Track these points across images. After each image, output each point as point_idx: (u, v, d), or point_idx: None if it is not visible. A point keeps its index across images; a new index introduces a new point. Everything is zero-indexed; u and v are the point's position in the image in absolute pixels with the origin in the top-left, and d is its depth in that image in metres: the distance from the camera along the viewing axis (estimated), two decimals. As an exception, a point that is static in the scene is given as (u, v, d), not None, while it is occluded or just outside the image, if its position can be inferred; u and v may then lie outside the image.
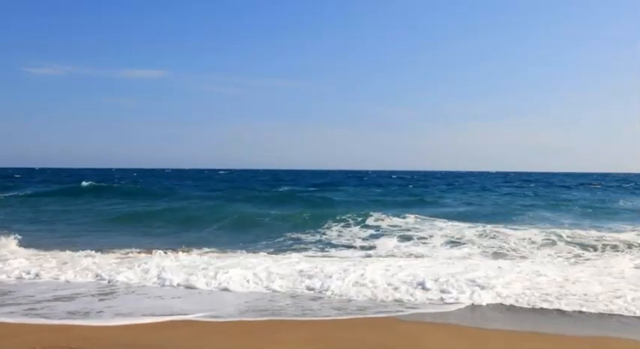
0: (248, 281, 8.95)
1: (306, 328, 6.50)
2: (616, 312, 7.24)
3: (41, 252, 11.93)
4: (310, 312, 7.27)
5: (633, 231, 15.90)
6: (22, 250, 12.28)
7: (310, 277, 9.15)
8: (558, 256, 12.25)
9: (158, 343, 5.79)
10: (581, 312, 7.26)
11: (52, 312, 7.13)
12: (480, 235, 14.69)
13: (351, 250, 13.41)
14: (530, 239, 14.07)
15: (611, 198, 32.50)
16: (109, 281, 9.18)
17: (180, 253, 12.03)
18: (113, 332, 6.24)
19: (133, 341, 5.85)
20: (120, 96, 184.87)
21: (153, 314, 7.04)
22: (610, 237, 14.35)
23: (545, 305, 7.54)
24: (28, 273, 9.64)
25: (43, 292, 8.35)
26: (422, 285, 8.46)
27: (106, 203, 25.86)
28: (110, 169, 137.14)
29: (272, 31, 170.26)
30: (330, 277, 9.03)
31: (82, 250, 12.05)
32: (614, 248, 13.03)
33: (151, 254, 11.87)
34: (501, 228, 15.52)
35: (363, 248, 13.64)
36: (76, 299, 7.98)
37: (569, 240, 13.98)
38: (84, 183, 36.14)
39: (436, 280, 8.73)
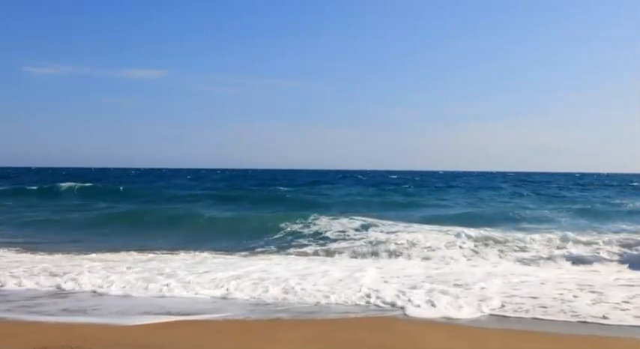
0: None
1: (306, 328, 6.45)
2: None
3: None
4: (311, 312, 7.26)
5: (636, 232, 15.45)
6: None
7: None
8: (542, 258, 11.87)
9: (158, 343, 5.73)
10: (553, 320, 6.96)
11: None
12: (467, 238, 13.83)
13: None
14: (519, 241, 13.47)
15: (611, 198, 32.17)
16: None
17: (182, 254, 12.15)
18: (113, 332, 6.18)
19: (133, 341, 5.79)
20: (120, 96, 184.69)
21: (150, 314, 6.99)
22: (605, 238, 13.87)
23: (522, 315, 7.18)
24: None
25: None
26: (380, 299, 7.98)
27: (85, 204, 25.42)
28: (109, 169, 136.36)
29: (272, 31, 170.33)
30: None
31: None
32: (608, 250, 12.50)
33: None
34: (493, 232, 14.83)
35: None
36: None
37: (559, 241, 13.51)
38: (62, 184, 35.41)
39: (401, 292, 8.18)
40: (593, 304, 7.53)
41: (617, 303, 7.58)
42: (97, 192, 32.67)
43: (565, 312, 7.15)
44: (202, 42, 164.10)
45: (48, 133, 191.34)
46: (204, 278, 9.17)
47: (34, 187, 34.98)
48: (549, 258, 11.84)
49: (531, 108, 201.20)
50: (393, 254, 12.51)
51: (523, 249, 12.82)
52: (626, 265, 11.14)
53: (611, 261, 11.66)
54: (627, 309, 7.28)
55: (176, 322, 6.66)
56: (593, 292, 8.29)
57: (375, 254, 12.58)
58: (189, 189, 40.38)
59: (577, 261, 11.62)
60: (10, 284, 8.77)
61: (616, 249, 12.58)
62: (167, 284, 8.65)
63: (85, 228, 17.48)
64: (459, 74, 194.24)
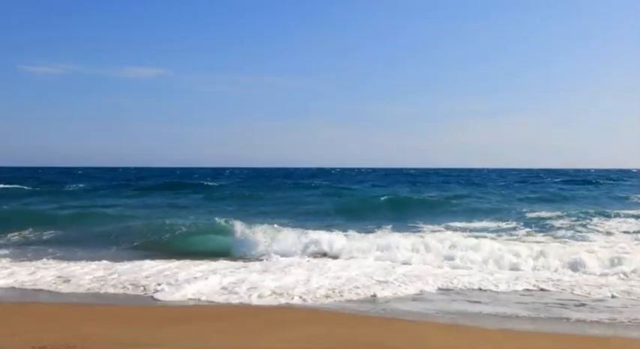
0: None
1: (307, 326, 6.41)
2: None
3: None
4: (311, 310, 7.33)
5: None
6: None
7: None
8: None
9: (158, 342, 5.67)
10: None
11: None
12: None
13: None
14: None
15: (613, 196, 31.24)
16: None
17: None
18: (112, 331, 6.11)
19: (132, 340, 5.72)
20: (120, 95, 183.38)
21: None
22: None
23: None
24: None
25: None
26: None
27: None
28: (103, 168, 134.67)
29: (272, 30, 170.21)
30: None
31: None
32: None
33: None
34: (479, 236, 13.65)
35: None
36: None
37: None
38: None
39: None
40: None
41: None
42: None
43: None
44: (202, 41, 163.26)
45: (48, 133, 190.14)
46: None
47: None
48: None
49: (533, 106, 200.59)
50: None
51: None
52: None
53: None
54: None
55: (176, 322, 6.61)
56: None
57: None
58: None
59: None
60: None
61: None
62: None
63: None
64: (460, 73, 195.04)
